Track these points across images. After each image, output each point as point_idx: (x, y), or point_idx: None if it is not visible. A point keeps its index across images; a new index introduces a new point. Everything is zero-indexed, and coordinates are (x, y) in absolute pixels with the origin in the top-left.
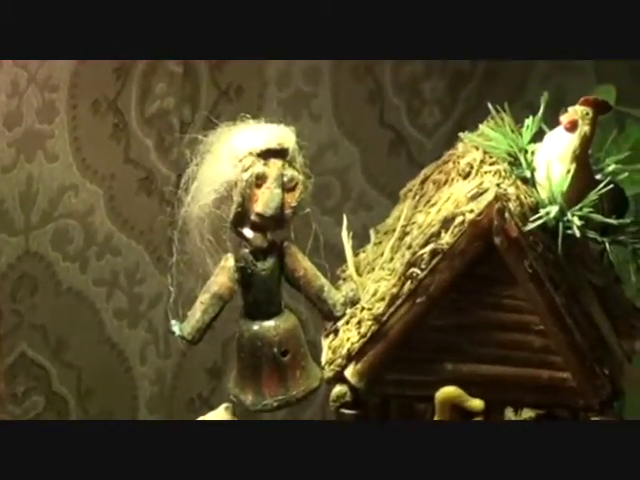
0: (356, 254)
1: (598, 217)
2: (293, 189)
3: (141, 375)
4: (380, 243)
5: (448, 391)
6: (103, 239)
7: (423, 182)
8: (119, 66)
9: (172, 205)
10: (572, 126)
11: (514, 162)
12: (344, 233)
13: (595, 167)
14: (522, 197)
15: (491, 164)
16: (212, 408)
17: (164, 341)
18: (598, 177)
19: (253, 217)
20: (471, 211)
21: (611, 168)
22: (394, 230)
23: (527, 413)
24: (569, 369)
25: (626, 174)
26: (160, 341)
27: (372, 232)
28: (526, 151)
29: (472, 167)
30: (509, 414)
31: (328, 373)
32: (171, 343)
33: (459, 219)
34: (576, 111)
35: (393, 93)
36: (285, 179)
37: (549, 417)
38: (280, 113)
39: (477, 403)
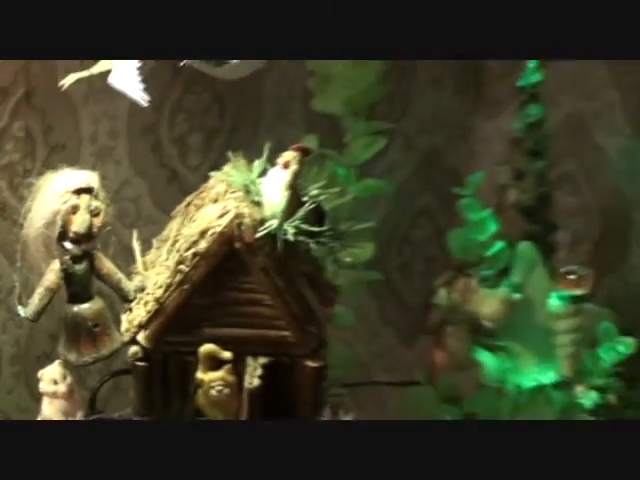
0: (144, 256)
1: (305, 226)
2: (98, 215)
3: (3, 342)
4: (159, 248)
5: (207, 347)
6: None
7: (187, 205)
8: None
9: (19, 227)
10: (286, 165)
11: (248, 191)
12: (135, 242)
13: (303, 192)
14: (254, 215)
15: (232, 192)
16: (52, 362)
17: (18, 318)
18: (305, 199)
19: (71, 234)
20: (219, 225)
21: (314, 192)
22: (168, 239)
23: (262, 360)
24: (289, 329)
25: (324, 196)
26: (15, 318)
27: (155, 241)
28: (255, 183)
29: (219, 195)
30: (250, 361)
31: (126, 338)
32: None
33: (211, 231)
34: (289, 155)
35: (168, 144)
36: (92, 208)
37: (277, 362)
38: (92, 162)
39: (227, 354)
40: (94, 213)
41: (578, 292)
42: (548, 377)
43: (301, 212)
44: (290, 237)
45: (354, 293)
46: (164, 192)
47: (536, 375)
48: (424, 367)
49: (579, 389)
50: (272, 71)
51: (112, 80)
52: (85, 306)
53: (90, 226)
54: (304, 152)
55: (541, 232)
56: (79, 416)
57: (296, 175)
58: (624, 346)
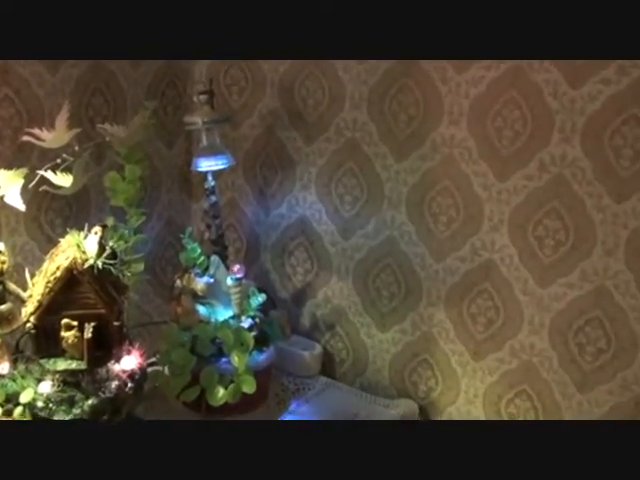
0: (32, 278)
1: (107, 261)
2: (4, 263)
3: None
4: (39, 275)
5: (65, 320)
6: None
7: (52, 254)
8: None
9: None
10: (96, 233)
11: (79, 246)
12: (27, 273)
13: (106, 244)
14: (82, 257)
15: (72, 247)
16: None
17: None
18: (107, 248)
19: None
20: (66, 262)
21: (111, 244)
22: (43, 270)
23: (92, 324)
24: (104, 309)
25: (117, 245)
26: None
27: (37, 272)
28: (82, 242)
29: (66, 248)
30: (86, 325)
31: (25, 319)
32: None
33: (62, 266)
34: (97, 228)
35: (45, 223)
36: (1, 259)
37: (99, 325)
38: (6, 236)
39: (74, 323)
40: (2, 262)
41: (239, 275)
42: (229, 314)
43: (104, 254)
44: (100, 266)
45: (136, 286)
46: (44, 247)
47: (224, 313)
48: (172, 315)
49: (243, 319)
50: (95, 185)
51: (7, 199)
52: (3, 306)
53: (1, 269)
54: (104, 227)
55: (221, 251)
56: (6, 358)
57: (101, 238)
58: (261, 298)
